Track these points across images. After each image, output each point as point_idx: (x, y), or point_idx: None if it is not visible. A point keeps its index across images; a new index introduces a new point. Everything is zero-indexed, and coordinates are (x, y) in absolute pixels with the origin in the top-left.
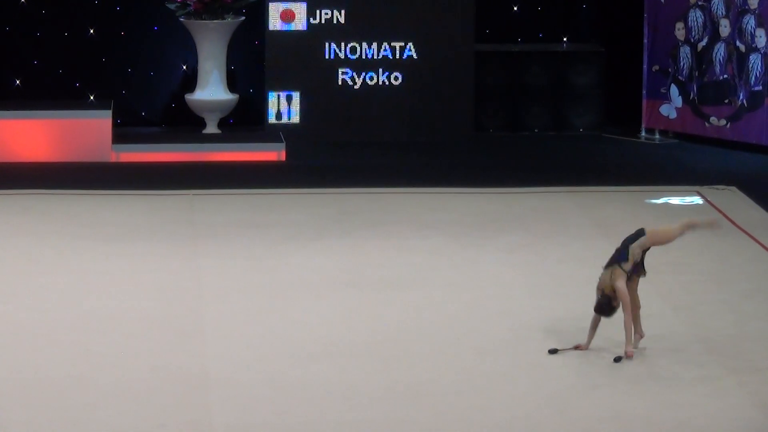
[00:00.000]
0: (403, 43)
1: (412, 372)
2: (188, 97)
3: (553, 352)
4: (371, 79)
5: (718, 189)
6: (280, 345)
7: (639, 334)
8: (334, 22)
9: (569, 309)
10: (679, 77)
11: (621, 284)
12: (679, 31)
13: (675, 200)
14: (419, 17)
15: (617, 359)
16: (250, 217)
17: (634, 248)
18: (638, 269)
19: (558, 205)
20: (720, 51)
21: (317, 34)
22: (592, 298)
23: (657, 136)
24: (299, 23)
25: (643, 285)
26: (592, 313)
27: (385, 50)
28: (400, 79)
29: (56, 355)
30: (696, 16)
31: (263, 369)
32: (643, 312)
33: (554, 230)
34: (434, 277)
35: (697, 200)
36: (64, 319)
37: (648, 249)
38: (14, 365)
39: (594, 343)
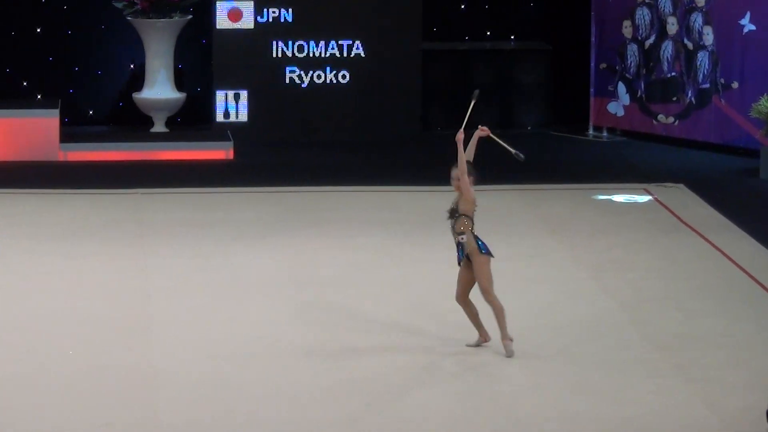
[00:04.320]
0: (350, 42)
1: (357, 370)
2: (136, 95)
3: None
4: (319, 77)
5: (666, 186)
6: (226, 343)
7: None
8: (282, 20)
9: (517, 306)
10: (627, 75)
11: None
12: (627, 29)
13: (622, 197)
14: (367, 15)
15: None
16: (197, 215)
17: None
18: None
19: (506, 203)
20: (668, 49)
21: (265, 32)
22: (539, 295)
23: (605, 133)
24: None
25: (588, 282)
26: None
27: (332, 48)
28: (347, 78)
29: (1, 354)
30: (643, 14)
31: (209, 367)
32: (589, 309)
33: (502, 228)
34: (381, 275)
35: (645, 197)
36: (9, 319)
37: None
38: None
39: (534, 343)
